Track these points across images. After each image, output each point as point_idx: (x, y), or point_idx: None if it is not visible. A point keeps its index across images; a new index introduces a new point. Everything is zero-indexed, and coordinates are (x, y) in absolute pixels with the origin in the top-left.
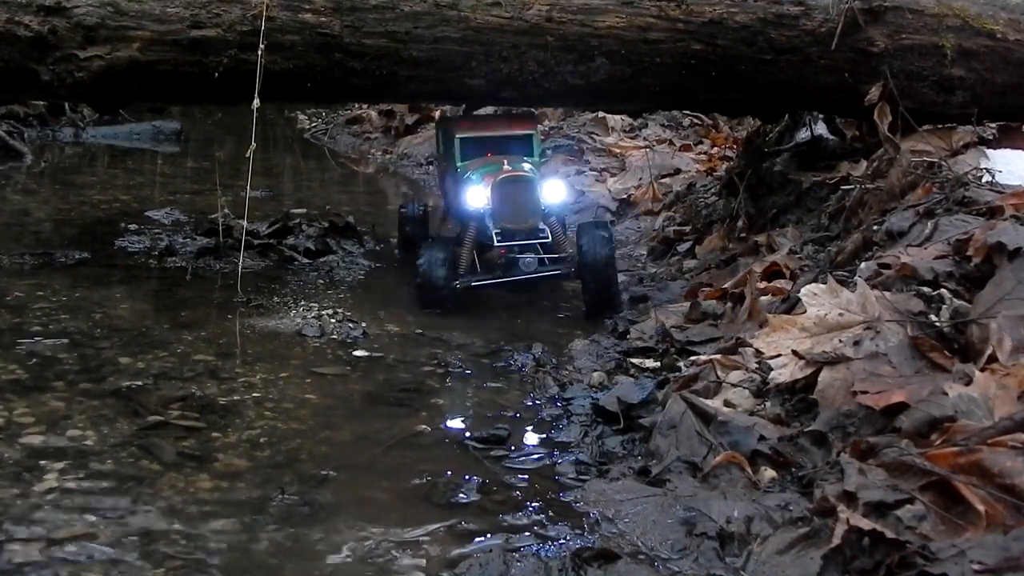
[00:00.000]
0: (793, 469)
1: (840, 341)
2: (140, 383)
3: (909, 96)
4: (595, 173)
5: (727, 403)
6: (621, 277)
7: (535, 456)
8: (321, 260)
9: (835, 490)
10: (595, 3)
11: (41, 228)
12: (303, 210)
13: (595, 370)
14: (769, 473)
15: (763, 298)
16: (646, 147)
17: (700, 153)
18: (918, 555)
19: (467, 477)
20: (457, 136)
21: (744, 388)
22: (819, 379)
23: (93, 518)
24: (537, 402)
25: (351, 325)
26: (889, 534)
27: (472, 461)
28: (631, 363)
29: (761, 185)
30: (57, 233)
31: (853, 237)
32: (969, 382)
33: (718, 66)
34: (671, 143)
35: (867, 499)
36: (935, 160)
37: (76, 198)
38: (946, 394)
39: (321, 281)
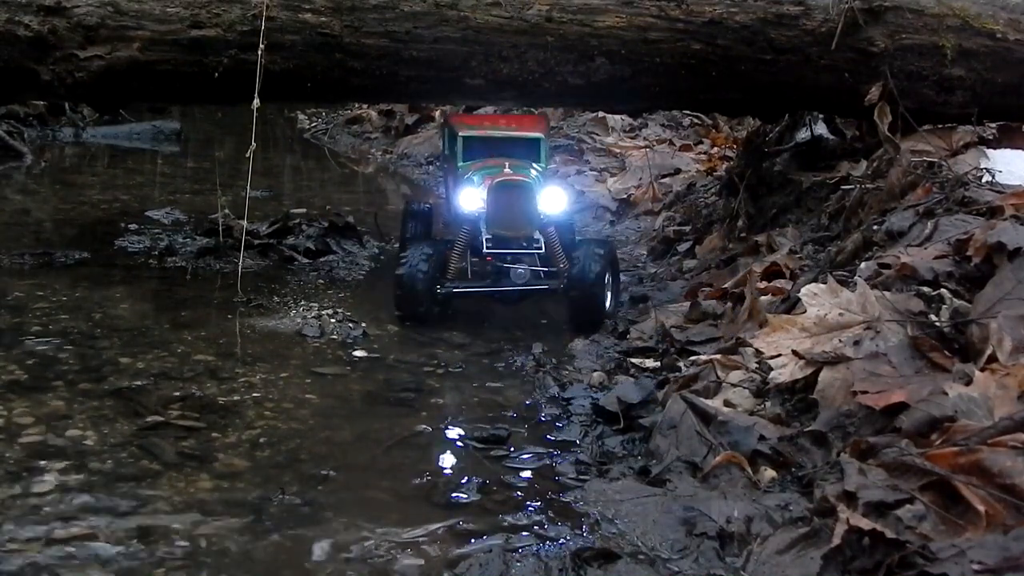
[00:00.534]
0: (793, 469)
1: (840, 341)
2: (140, 383)
3: (909, 96)
4: (595, 173)
5: (727, 403)
6: (622, 277)
7: (535, 456)
8: (321, 260)
9: (835, 490)
10: (595, 3)
11: (41, 228)
12: (303, 210)
13: (595, 370)
14: (769, 473)
15: (763, 298)
16: (646, 147)
17: (700, 153)
18: (918, 555)
19: (467, 477)
20: (460, 135)
21: (744, 388)
22: (819, 379)
23: (93, 518)
24: (537, 402)
25: (351, 325)
26: (889, 534)
27: (472, 461)
28: (631, 363)
29: (761, 185)
30: (57, 233)
31: (853, 237)
32: (969, 382)
33: (718, 66)
34: (671, 143)
35: (867, 499)
36: (935, 160)
37: (76, 198)
38: (946, 394)
39: (321, 281)
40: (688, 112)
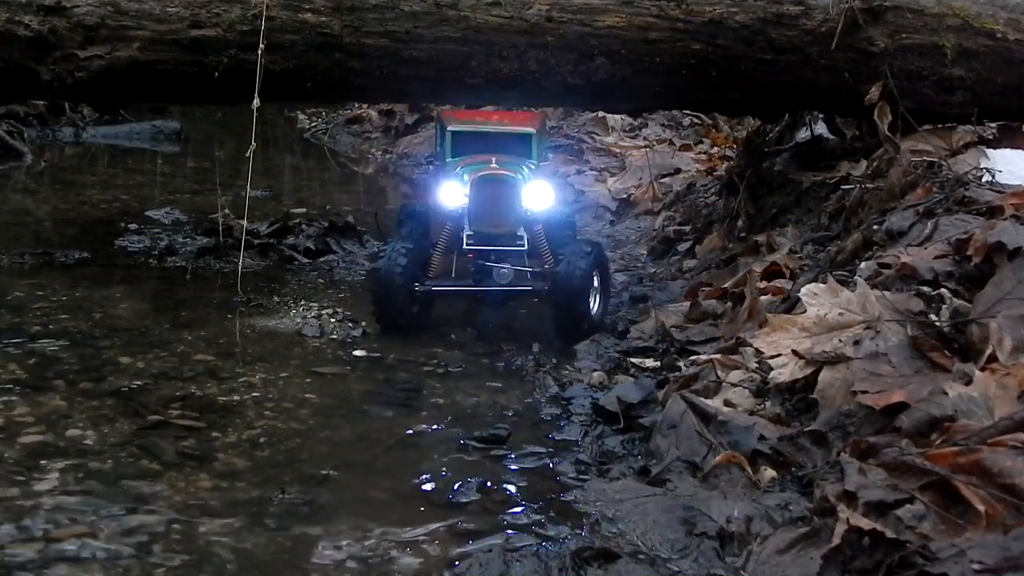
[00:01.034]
0: (793, 469)
1: (840, 341)
2: (140, 383)
3: (909, 96)
4: (595, 173)
5: (727, 403)
6: (621, 277)
7: (535, 456)
8: (321, 260)
9: (835, 490)
10: (595, 3)
11: (41, 228)
12: (303, 210)
13: (595, 370)
14: (769, 473)
15: (763, 298)
16: (646, 147)
17: (700, 153)
18: (918, 555)
19: (467, 477)
20: (449, 129)
21: (744, 388)
22: (819, 379)
23: (93, 518)
24: (537, 402)
25: (351, 325)
26: (889, 534)
27: (472, 461)
28: (631, 363)
29: (761, 185)
30: (57, 233)
31: (853, 237)
32: (969, 382)
33: (718, 66)
34: (671, 143)
35: (867, 499)
36: (935, 160)
37: (76, 198)
38: (946, 394)
39: (321, 281)
40: (688, 112)
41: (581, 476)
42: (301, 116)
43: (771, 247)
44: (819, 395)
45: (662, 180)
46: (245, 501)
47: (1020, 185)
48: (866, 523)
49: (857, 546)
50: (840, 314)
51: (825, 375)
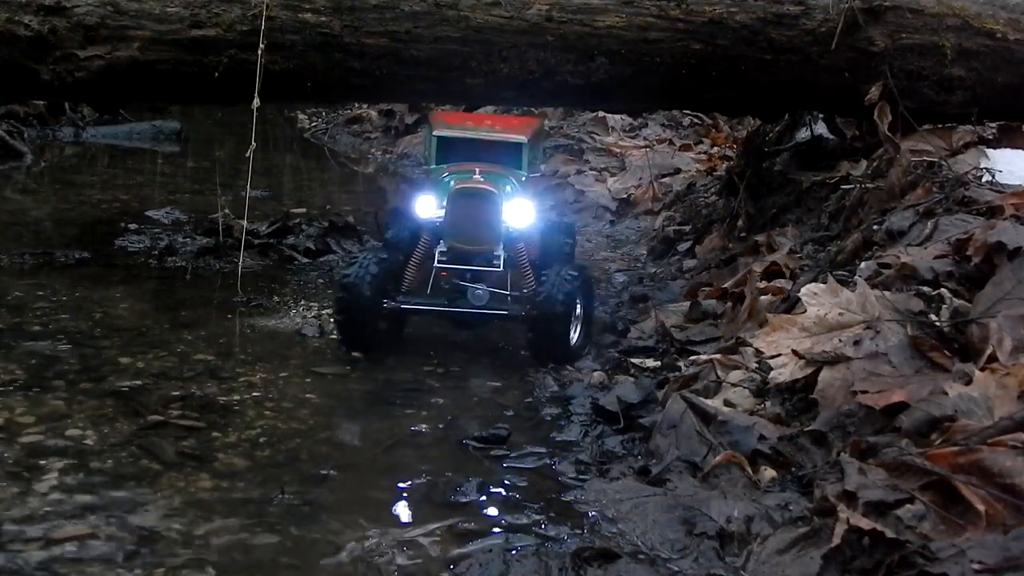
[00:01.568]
0: (793, 469)
1: (840, 341)
2: (140, 383)
3: (909, 96)
4: (595, 173)
5: (727, 403)
6: (621, 277)
7: (535, 456)
8: (321, 260)
9: (835, 490)
10: (595, 3)
11: (41, 228)
12: (303, 210)
13: (595, 370)
14: (769, 473)
15: (763, 298)
16: (646, 147)
17: (700, 153)
18: (918, 555)
19: (467, 477)
20: (435, 134)
21: (744, 388)
22: (819, 379)
23: (93, 518)
24: (537, 402)
25: None
26: (889, 534)
27: (472, 461)
28: (631, 363)
29: (761, 185)
30: (57, 233)
31: (853, 237)
32: (969, 382)
33: (718, 66)
34: (671, 143)
35: (867, 499)
36: (935, 160)
37: (76, 198)
38: (946, 394)
39: (321, 281)
40: (688, 112)
41: (581, 476)
42: (301, 116)
43: (771, 247)
44: (819, 395)
45: (662, 180)
46: (245, 501)
47: (1020, 185)
48: (866, 523)
49: (857, 546)
50: (840, 314)
51: (825, 375)
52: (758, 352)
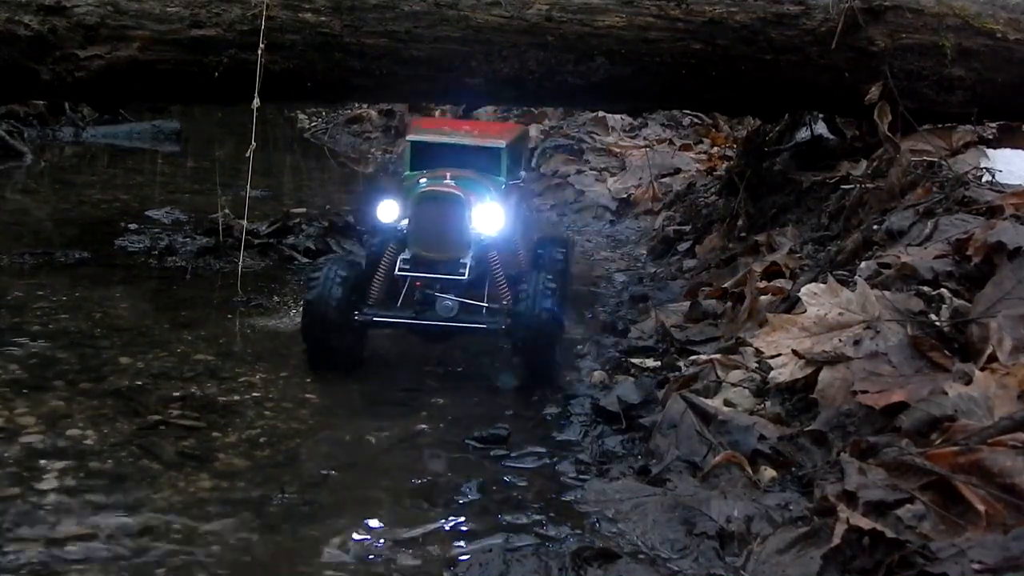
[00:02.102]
0: (793, 469)
1: (840, 340)
2: (140, 383)
3: (909, 96)
4: (595, 173)
5: (727, 403)
6: (621, 277)
7: (535, 456)
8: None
9: (835, 489)
10: (595, 3)
11: (41, 228)
12: (303, 210)
13: (595, 370)
14: (769, 473)
15: (763, 298)
16: (646, 147)
17: (700, 153)
18: (918, 555)
19: (467, 477)
20: (408, 138)
21: (744, 388)
22: (819, 378)
23: (93, 518)
24: (537, 402)
25: None
26: (889, 533)
27: (472, 461)
28: (631, 362)
29: (761, 185)
30: (57, 233)
31: (853, 237)
32: (969, 381)
33: (718, 66)
34: (671, 143)
35: (867, 498)
36: (935, 160)
37: (76, 198)
38: (946, 393)
39: None
40: (688, 112)
41: (581, 476)
42: (301, 116)
43: (771, 247)
44: (819, 395)
45: (662, 180)
46: (245, 501)
47: (1020, 185)
48: (866, 523)
49: (857, 546)
50: (840, 314)
51: (825, 375)
52: (758, 352)
